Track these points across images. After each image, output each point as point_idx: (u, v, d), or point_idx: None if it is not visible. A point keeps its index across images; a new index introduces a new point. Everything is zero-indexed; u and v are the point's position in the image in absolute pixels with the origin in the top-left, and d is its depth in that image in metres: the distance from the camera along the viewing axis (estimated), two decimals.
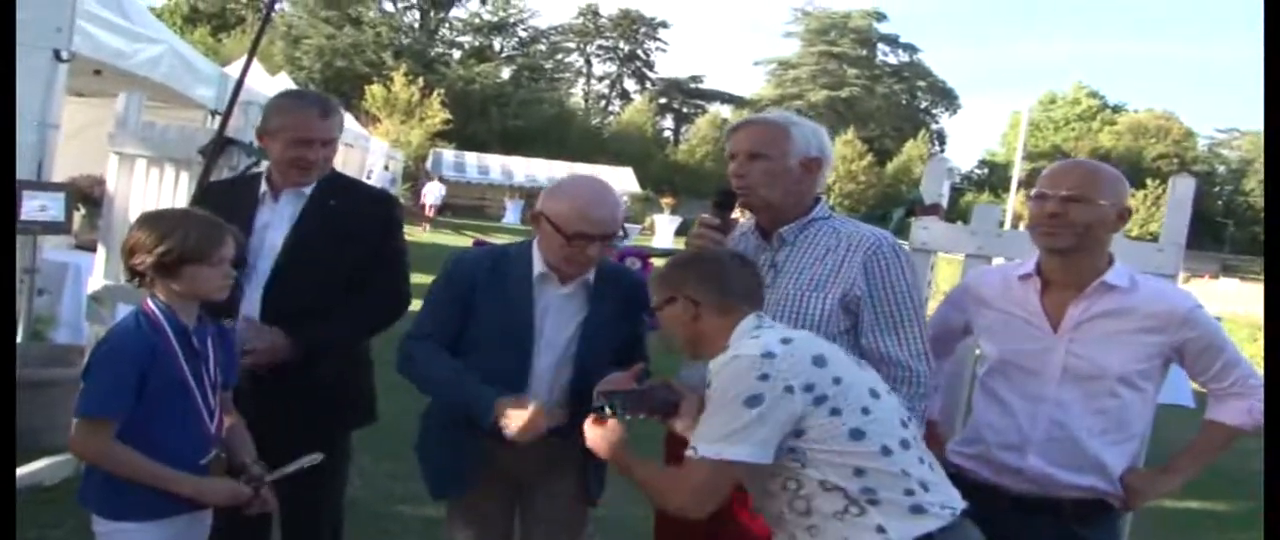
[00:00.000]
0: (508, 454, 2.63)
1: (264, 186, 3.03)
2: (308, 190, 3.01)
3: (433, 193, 32.73)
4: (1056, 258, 2.49)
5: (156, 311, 2.38)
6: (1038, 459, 2.46)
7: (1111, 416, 2.44)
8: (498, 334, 2.67)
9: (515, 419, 2.50)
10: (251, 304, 2.93)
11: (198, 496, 2.40)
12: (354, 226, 3.02)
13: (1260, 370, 2.50)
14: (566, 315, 2.70)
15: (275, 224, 2.99)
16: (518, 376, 2.66)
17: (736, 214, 2.77)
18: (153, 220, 2.45)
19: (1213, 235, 60.66)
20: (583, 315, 2.70)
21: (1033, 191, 2.53)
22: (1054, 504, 2.45)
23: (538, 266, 2.68)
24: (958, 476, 2.57)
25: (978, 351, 2.90)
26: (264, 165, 3.25)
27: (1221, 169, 70.51)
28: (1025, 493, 2.45)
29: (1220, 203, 66.94)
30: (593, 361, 2.68)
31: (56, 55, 3.96)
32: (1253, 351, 7.59)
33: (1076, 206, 2.40)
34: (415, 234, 22.72)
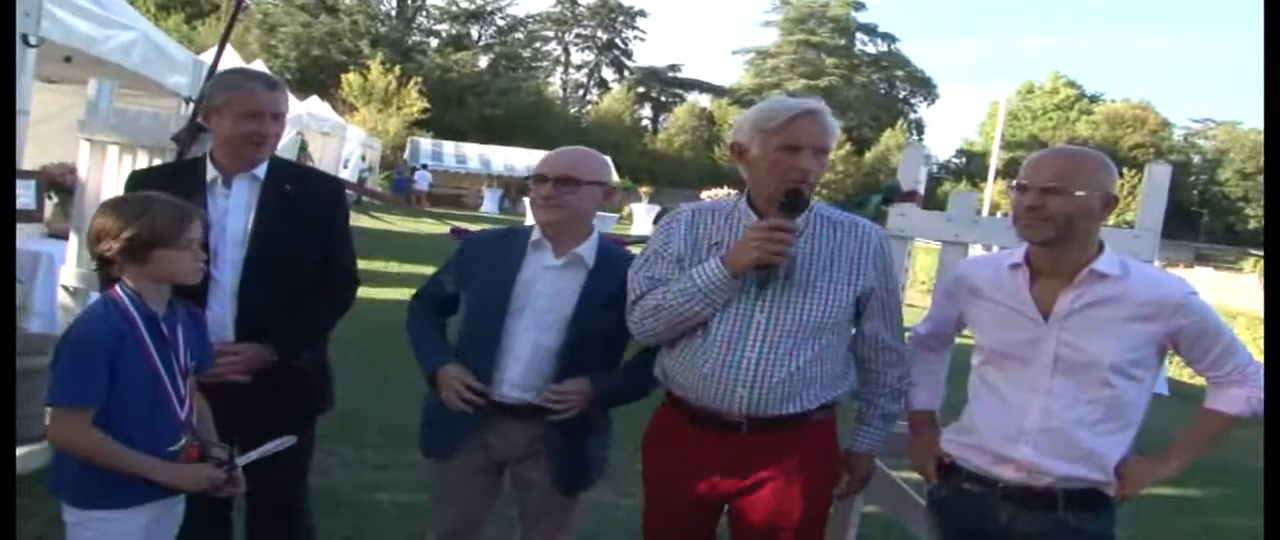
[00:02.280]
0: (492, 430, 2.75)
1: (213, 172, 2.89)
2: (260, 174, 2.90)
3: (423, 180, 35.01)
4: (1042, 248, 2.47)
5: (124, 298, 2.33)
6: (1030, 449, 2.43)
7: (1105, 406, 2.41)
8: (480, 296, 2.82)
9: (446, 387, 2.72)
10: (224, 292, 2.84)
11: (173, 483, 2.37)
12: (312, 212, 2.97)
13: None
14: (558, 287, 2.76)
15: (233, 210, 2.87)
16: (489, 338, 2.74)
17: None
18: (117, 205, 2.40)
19: (1187, 224, 61.21)
20: (577, 288, 2.75)
21: (1014, 182, 2.52)
22: (1048, 493, 2.43)
23: (534, 234, 2.82)
24: (952, 466, 2.60)
25: (958, 340, 2.90)
26: (206, 149, 3.10)
27: (1197, 159, 71.00)
28: (1019, 482, 2.44)
29: (1195, 192, 67.46)
30: (585, 339, 2.72)
31: (24, 40, 3.90)
32: None
33: (1055, 198, 2.37)
34: (392, 221, 22.61)
